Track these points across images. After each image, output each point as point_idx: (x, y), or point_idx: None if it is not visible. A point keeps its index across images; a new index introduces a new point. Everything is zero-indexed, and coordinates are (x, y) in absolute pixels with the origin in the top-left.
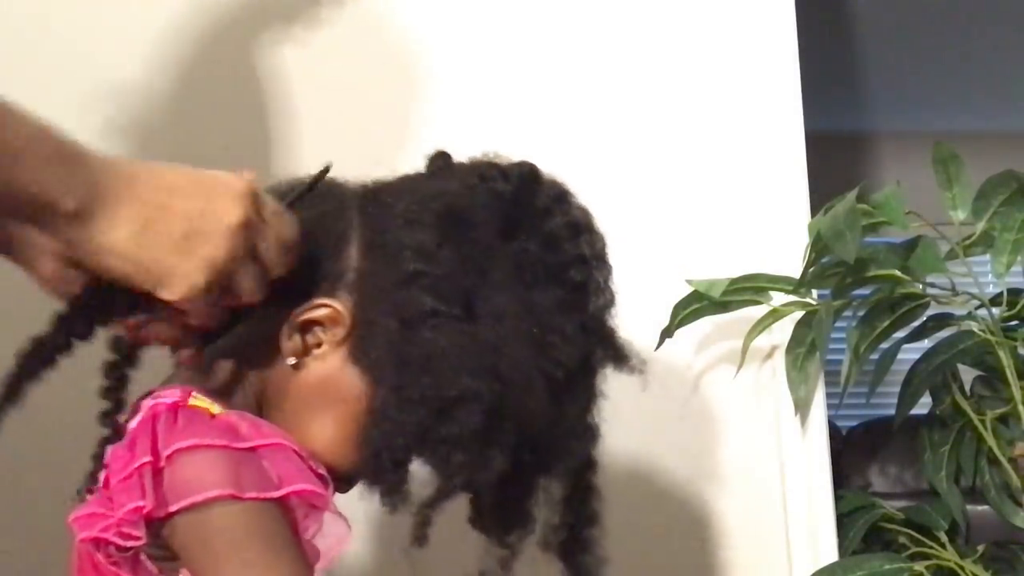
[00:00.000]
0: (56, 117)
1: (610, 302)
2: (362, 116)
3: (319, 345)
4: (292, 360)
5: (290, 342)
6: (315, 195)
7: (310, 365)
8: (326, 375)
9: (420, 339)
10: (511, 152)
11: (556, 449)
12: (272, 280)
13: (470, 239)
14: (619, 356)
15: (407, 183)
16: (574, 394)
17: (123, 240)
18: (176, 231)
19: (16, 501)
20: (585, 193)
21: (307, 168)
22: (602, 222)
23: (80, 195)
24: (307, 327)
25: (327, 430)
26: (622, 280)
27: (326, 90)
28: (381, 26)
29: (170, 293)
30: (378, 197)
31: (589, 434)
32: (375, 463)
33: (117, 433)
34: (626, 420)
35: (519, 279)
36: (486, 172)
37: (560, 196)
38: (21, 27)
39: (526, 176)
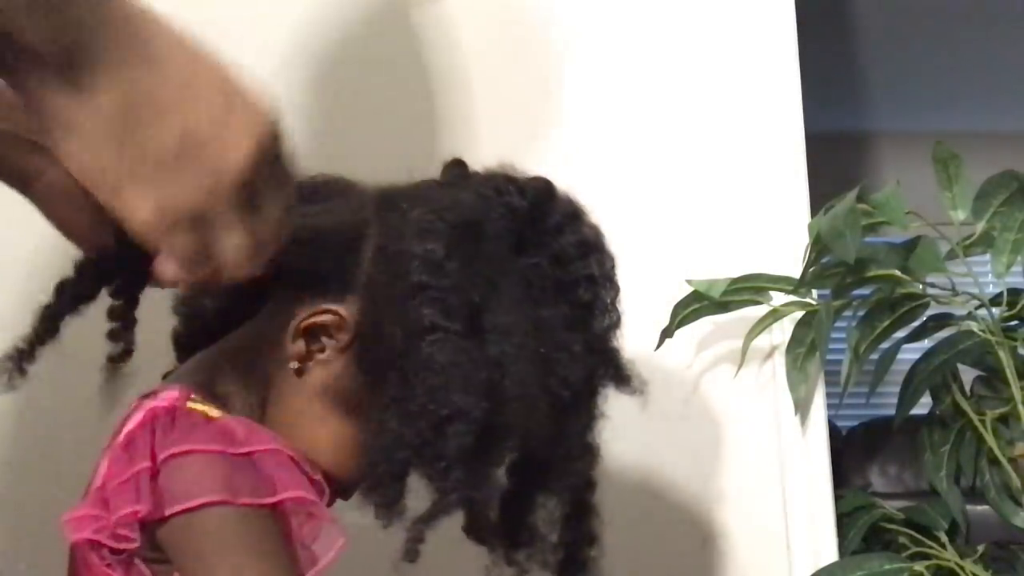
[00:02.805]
0: None
1: (616, 323)
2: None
3: (323, 350)
4: (295, 365)
5: (294, 346)
6: (332, 193)
7: (314, 370)
8: (329, 381)
9: (420, 353)
10: (513, 156)
11: (558, 469)
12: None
13: (482, 252)
14: (621, 376)
15: (423, 190)
16: (578, 413)
17: (93, 128)
18: (165, 143)
19: (15, 501)
20: (585, 193)
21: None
22: (601, 222)
23: (64, 37)
24: (311, 332)
25: (327, 437)
26: (622, 280)
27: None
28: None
29: (123, 218)
30: (394, 202)
31: (590, 454)
32: (372, 475)
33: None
34: (626, 420)
35: (528, 295)
36: (502, 186)
37: (573, 214)
38: None
39: (541, 192)
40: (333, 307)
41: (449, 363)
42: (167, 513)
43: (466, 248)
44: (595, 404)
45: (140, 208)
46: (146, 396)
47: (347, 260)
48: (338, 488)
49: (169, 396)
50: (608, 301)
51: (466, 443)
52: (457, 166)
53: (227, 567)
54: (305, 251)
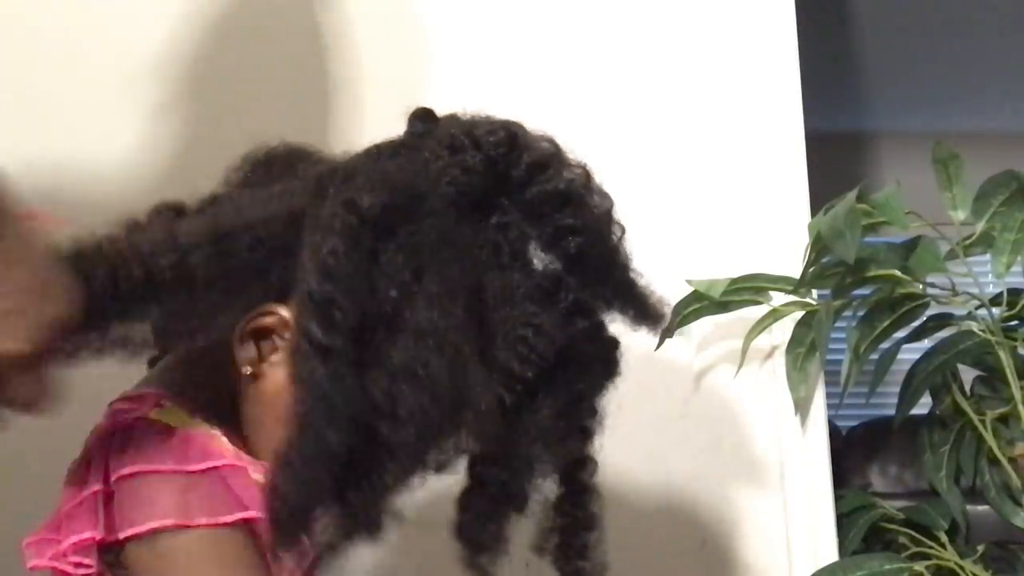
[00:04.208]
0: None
1: (629, 260)
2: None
3: (275, 351)
4: (248, 370)
5: (243, 351)
6: (284, 172)
7: (267, 373)
8: (281, 385)
9: (303, 372)
10: None
11: (534, 454)
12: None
13: (412, 235)
14: (647, 313)
15: (364, 164)
16: (552, 392)
17: None
18: None
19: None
20: None
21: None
22: None
23: None
24: (260, 334)
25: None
26: None
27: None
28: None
29: None
30: (325, 187)
31: (578, 432)
32: (273, 505)
33: None
34: (626, 420)
35: (492, 263)
36: (457, 142)
37: (542, 162)
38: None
39: (502, 143)
40: (274, 307)
41: (322, 394)
42: (120, 537)
43: (385, 235)
44: (580, 375)
45: None
46: (120, 400)
47: (286, 255)
48: None
49: (134, 407)
50: (613, 241)
51: (325, 484)
52: (421, 119)
53: None
54: (249, 248)
